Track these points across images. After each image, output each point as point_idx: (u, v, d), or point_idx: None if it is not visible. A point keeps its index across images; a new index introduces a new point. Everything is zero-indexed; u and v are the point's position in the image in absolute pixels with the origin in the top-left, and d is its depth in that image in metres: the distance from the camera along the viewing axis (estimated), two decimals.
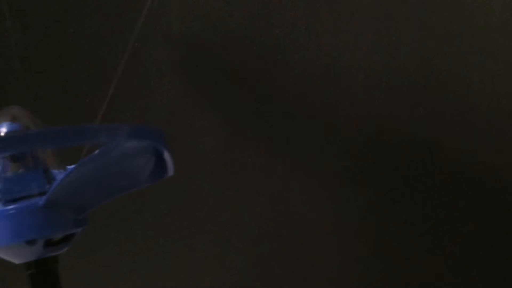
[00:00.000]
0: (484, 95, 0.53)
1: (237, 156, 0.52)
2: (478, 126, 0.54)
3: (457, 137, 0.54)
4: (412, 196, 0.54)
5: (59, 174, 0.31)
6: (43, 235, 0.29)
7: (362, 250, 0.54)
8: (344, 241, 0.54)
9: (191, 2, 0.52)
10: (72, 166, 0.29)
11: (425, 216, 0.54)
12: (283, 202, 0.53)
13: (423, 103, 0.53)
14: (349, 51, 0.52)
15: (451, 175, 0.54)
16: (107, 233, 0.52)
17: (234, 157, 0.52)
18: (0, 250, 0.29)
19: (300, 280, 0.54)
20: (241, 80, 0.52)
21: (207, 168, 0.52)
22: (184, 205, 0.53)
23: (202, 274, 0.53)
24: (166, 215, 0.52)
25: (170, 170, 0.31)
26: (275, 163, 0.53)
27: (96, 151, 0.28)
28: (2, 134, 0.31)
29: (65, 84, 0.51)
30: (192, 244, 0.53)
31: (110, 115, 0.52)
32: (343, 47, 0.52)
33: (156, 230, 0.53)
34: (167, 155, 0.30)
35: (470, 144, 0.54)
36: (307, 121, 0.52)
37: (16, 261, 0.30)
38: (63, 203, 0.29)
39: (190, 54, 0.52)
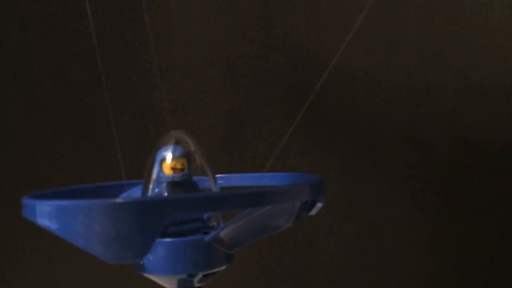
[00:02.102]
0: (484, 95, 0.53)
1: (237, 156, 0.53)
2: (478, 126, 0.54)
3: (457, 137, 0.54)
4: (411, 197, 0.54)
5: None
6: (205, 269, 0.30)
7: (362, 250, 0.54)
8: (345, 241, 0.54)
9: (191, 2, 0.52)
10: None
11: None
12: None
13: (423, 103, 0.53)
14: (349, 51, 0.52)
15: (451, 175, 0.54)
16: None
17: (234, 157, 0.52)
18: (159, 277, 0.31)
19: (300, 280, 0.54)
20: (241, 80, 0.52)
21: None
22: None
23: None
24: None
25: (314, 212, 0.31)
26: (275, 163, 0.53)
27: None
28: (169, 157, 0.32)
29: (65, 84, 0.51)
30: None
31: (110, 115, 0.52)
32: (343, 47, 0.52)
33: None
34: (319, 205, 0.31)
35: (470, 144, 0.54)
36: (307, 121, 0.52)
37: (168, 286, 0.32)
38: (222, 241, 0.30)
39: (190, 54, 0.52)
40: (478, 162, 0.54)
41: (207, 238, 0.29)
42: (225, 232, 0.29)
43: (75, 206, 0.25)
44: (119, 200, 0.24)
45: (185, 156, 0.32)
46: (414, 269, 0.55)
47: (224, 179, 0.39)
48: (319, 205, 0.31)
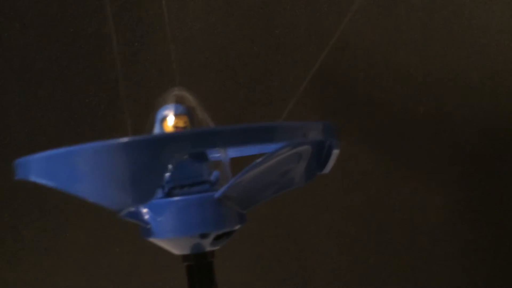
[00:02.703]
0: (484, 95, 0.53)
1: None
2: (478, 126, 0.54)
3: (457, 137, 0.54)
4: (411, 197, 0.54)
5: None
6: (217, 228, 0.28)
7: (362, 250, 0.54)
8: (345, 241, 0.54)
9: (191, 2, 0.52)
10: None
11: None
12: (283, 202, 0.53)
13: (423, 103, 0.53)
14: (349, 51, 0.52)
15: (450, 175, 0.54)
16: (107, 233, 0.52)
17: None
18: (168, 241, 0.29)
19: (300, 280, 0.54)
20: (241, 80, 0.52)
21: None
22: None
23: None
24: None
25: (328, 168, 0.29)
26: None
27: (273, 151, 0.27)
28: (171, 115, 0.30)
29: (65, 84, 0.51)
30: None
31: (110, 115, 0.52)
32: (343, 47, 0.52)
33: None
34: (334, 154, 0.29)
35: (470, 144, 0.54)
36: (306, 121, 0.52)
37: (177, 252, 0.30)
38: (233, 198, 0.28)
39: (190, 54, 0.52)
40: (478, 163, 0.54)
41: (217, 194, 0.28)
42: (234, 187, 0.27)
43: (73, 151, 0.24)
44: (121, 139, 0.23)
45: (187, 113, 0.30)
46: (414, 269, 0.55)
47: None
48: (334, 154, 0.28)
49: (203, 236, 0.28)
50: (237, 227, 0.29)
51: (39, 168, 0.26)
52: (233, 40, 0.52)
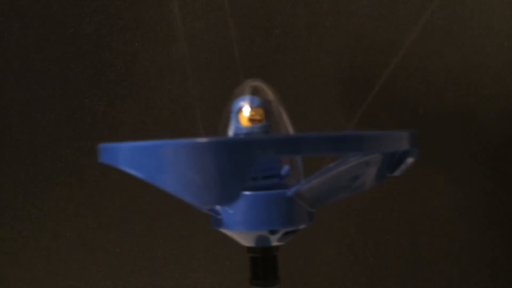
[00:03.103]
0: (484, 95, 0.53)
1: None
2: (478, 127, 0.54)
3: (457, 138, 0.54)
4: (410, 197, 0.54)
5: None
6: (287, 226, 0.28)
7: (362, 250, 0.54)
8: (346, 241, 0.54)
9: (191, 2, 0.52)
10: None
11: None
12: None
13: (423, 103, 0.53)
14: (349, 51, 0.52)
15: (450, 175, 0.54)
16: (107, 233, 0.52)
17: None
18: (237, 232, 0.29)
19: (300, 280, 0.54)
20: (241, 80, 0.52)
21: None
22: (184, 205, 0.53)
23: (202, 274, 0.53)
24: (166, 215, 0.52)
25: (399, 172, 0.29)
26: None
27: (348, 156, 0.26)
28: (247, 107, 0.29)
29: (65, 84, 0.51)
30: (192, 244, 0.53)
31: (110, 115, 0.52)
32: (343, 47, 0.52)
33: (156, 230, 0.53)
34: (409, 161, 0.29)
35: (470, 144, 0.54)
36: (306, 121, 0.52)
37: (245, 243, 0.30)
38: (304, 198, 0.28)
39: (190, 54, 0.52)
40: (478, 163, 0.54)
41: (290, 192, 0.27)
42: (307, 187, 0.27)
43: (162, 145, 0.23)
44: (208, 139, 0.22)
45: (263, 106, 0.30)
46: (415, 269, 0.55)
47: None
48: (409, 161, 0.28)
49: (272, 232, 0.28)
50: (306, 225, 0.29)
51: (128, 157, 0.26)
52: (233, 40, 0.52)
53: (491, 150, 0.54)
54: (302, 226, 0.29)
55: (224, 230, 0.29)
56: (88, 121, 0.52)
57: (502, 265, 0.55)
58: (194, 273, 0.53)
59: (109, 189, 0.52)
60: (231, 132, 0.31)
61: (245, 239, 0.30)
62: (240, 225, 0.28)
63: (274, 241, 0.29)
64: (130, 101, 0.52)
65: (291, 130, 0.32)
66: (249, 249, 0.31)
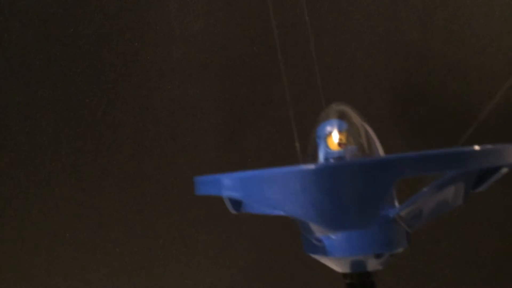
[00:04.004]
0: (484, 95, 0.53)
1: (237, 156, 0.53)
2: (478, 127, 0.54)
3: (457, 138, 0.54)
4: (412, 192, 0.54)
5: None
6: (392, 249, 0.27)
7: None
8: None
9: (191, 2, 0.52)
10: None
11: None
12: None
13: (423, 103, 0.53)
14: (349, 51, 0.52)
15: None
16: (107, 233, 0.52)
17: (234, 157, 0.52)
18: (334, 259, 0.27)
19: (300, 280, 0.54)
20: (241, 80, 0.52)
21: (207, 168, 0.52)
22: (184, 205, 0.53)
23: (202, 274, 0.53)
24: (166, 215, 0.52)
25: (484, 187, 0.28)
26: (276, 163, 0.53)
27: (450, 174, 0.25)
28: (335, 132, 0.30)
29: (65, 84, 0.51)
30: (192, 244, 0.53)
31: (110, 115, 0.52)
32: (343, 47, 0.52)
33: (156, 230, 0.53)
34: (500, 174, 0.28)
35: (469, 144, 0.54)
36: (306, 121, 0.52)
37: (341, 270, 0.28)
38: (402, 219, 0.27)
39: (190, 54, 0.52)
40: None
41: (392, 213, 0.26)
42: (408, 209, 0.26)
43: (287, 173, 0.23)
44: (339, 163, 0.22)
45: (349, 130, 0.30)
46: (415, 269, 0.55)
47: None
48: (501, 172, 0.27)
49: (378, 256, 0.27)
50: (405, 247, 0.28)
51: (248, 188, 0.25)
52: (233, 40, 0.52)
53: None
54: (403, 248, 0.28)
55: (322, 257, 0.28)
56: (88, 121, 0.52)
57: (503, 265, 0.55)
58: (194, 273, 0.53)
59: (109, 189, 0.52)
60: (321, 157, 0.31)
61: (340, 265, 0.28)
62: (345, 250, 0.26)
63: (372, 265, 0.28)
64: (130, 101, 0.52)
65: (381, 151, 0.32)
66: (346, 276, 0.29)
